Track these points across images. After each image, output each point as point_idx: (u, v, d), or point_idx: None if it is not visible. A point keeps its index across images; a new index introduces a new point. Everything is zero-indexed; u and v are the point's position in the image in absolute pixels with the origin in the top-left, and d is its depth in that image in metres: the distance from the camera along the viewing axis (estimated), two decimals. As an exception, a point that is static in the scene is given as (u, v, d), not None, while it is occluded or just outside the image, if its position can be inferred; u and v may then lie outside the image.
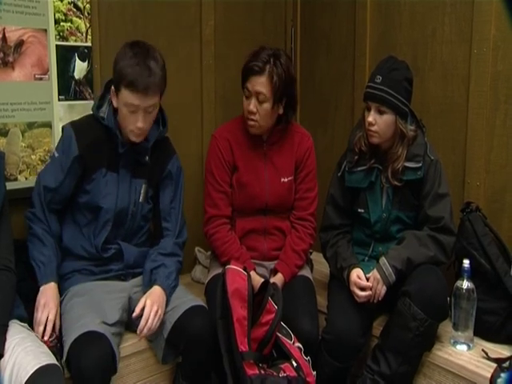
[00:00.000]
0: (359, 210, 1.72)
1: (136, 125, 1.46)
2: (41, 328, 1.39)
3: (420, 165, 1.62)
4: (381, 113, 1.60)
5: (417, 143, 1.64)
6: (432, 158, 1.64)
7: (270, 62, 1.67)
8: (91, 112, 1.56)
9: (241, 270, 1.56)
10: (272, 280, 1.68)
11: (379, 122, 1.60)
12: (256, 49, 1.74)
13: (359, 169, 1.69)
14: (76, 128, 1.52)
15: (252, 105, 1.69)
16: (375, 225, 1.70)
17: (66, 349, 1.36)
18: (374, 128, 1.61)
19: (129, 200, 1.57)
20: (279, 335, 1.56)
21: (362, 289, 1.59)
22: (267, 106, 1.69)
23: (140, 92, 1.41)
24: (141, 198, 1.59)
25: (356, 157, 1.68)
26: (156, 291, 1.50)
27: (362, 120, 1.68)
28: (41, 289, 1.45)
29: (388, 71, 1.60)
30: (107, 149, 1.52)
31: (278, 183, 1.79)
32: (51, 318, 1.41)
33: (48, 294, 1.44)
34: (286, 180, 1.80)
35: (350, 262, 1.65)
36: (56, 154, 1.53)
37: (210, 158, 1.82)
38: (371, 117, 1.60)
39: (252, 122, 1.72)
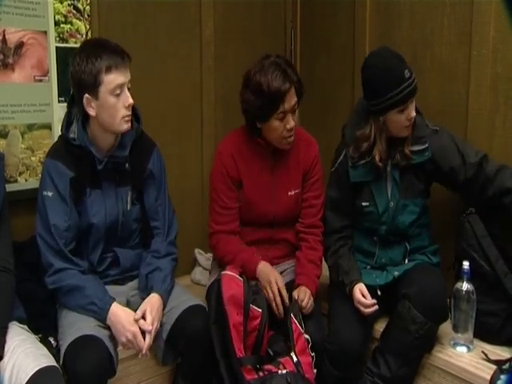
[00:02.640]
0: (363, 204, 1.67)
1: (128, 103, 1.43)
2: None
3: (426, 145, 1.60)
4: (412, 101, 1.57)
5: (418, 125, 1.63)
6: (436, 128, 1.62)
7: (284, 71, 1.59)
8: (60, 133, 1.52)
9: (237, 275, 1.55)
10: (296, 294, 1.62)
11: (414, 111, 1.58)
12: (261, 72, 1.58)
13: (362, 162, 1.64)
14: (55, 155, 1.48)
15: (292, 121, 1.61)
16: (383, 215, 1.66)
17: (61, 353, 1.36)
18: (413, 119, 1.58)
19: (117, 211, 1.54)
20: (294, 319, 1.54)
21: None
22: (297, 111, 1.66)
23: (120, 65, 1.41)
24: (128, 205, 1.56)
25: (357, 154, 1.63)
26: (154, 300, 1.48)
27: (382, 128, 1.59)
28: (107, 322, 1.41)
29: (403, 60, 1.55)
30: (86, 167, 1.49)
31: (285, 197, 1.74)
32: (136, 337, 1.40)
33: (117, 319, 1.41)
34: (293, 193, 1.75)
35: (351, 278, 1.61)
36: (49, 193, 1.44)
37: (214, 175, 1.74)
38: (413, 111, 1.56)
39: (292, 138, 1.65)
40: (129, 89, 1.46)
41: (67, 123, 1.50)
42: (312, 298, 1.64)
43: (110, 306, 1.42)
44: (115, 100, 1.42)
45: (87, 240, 1.53)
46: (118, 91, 1.42)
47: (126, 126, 1.47)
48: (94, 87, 1.40)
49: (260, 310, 1.51)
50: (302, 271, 1.71)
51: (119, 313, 1.41)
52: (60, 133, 1.53)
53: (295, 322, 1.55)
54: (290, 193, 1.75)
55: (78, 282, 1.44)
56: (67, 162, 1.46)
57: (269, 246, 1.78)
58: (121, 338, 1.41)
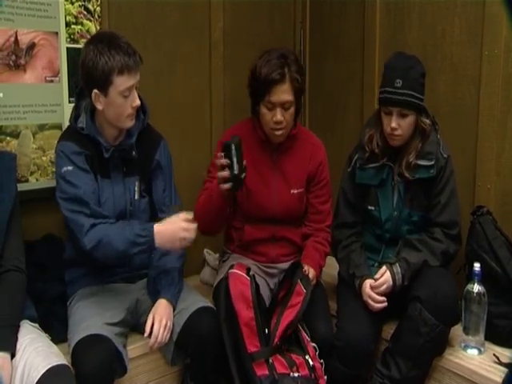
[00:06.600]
0: (369, 208, 1.70)
1: (135, 104, 1.46)
2: None
3: (433, 163, 1.60)
4: (403, 116, 1.57)
5: (430, 141, 1.62)
6: (445, 155, 1.62)
7: (285, 65, 1.60)
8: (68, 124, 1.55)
9: (243, 274, 1.55)
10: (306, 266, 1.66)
11: (403, 125, 1.58)
12: (262, 56, 1.64)
13: (370, 166, 1.67)
14: (68, 138, 1.51)
15: (279, 115, 1.61)
16: (386, 223, 1.67)
17: (69, 351, 1.37)
18: (397, 132, 1.58)
19: (125, 201, 1.56)
20: (300, 328, 1.56)
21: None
22: (292, 110, 1.64)
23: (132, 70, 1.42)
24: (136, 195, 1.58)
25: (367, 154, 1.67)
26: (162, 305, 1.49)
27: (378, 121, 1.66)
28: (156, 244, 1.42)
29: (406, 72, 1.56)
30: (95, 156, 1.51)
31: (287, 194, 1.74)
32: None
33: (163, 231, 1.42)
34: (295, 192, 1.75)
35: (362, 272, 1.63)
36: (69, 168, 1.46)
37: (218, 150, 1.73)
38: (394, 122, 1.57)
39: (280, 132, 1.66)
40: (136, 88, 1.48)
41: (75, 116, 1.53)
42: (315, 276, 1.69)
43: (153, 228, 1.41)
44: (123, 100, 1.45)
45: None
46: (127, 93, 1.44)
47: (130, 124, 1.51)
48: (104, 85, 1.42)
49: (305, 291, 1.55)
50: (307, 255, 1.74)
51: (161, 229, 1.42)
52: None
53: (304, 330, 1.58)
54: (292, 191, 1.75)
55: (115, 227, 1.43)
56: (79, 144, 1.49)
57: (271, 244, 1.79)
58: (179, 243, 1.41)
